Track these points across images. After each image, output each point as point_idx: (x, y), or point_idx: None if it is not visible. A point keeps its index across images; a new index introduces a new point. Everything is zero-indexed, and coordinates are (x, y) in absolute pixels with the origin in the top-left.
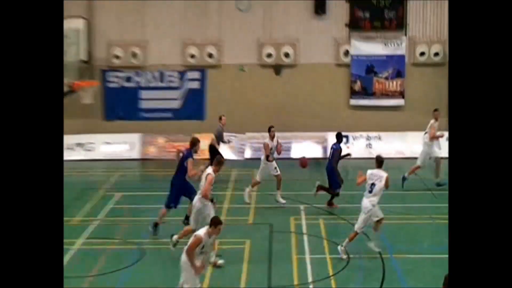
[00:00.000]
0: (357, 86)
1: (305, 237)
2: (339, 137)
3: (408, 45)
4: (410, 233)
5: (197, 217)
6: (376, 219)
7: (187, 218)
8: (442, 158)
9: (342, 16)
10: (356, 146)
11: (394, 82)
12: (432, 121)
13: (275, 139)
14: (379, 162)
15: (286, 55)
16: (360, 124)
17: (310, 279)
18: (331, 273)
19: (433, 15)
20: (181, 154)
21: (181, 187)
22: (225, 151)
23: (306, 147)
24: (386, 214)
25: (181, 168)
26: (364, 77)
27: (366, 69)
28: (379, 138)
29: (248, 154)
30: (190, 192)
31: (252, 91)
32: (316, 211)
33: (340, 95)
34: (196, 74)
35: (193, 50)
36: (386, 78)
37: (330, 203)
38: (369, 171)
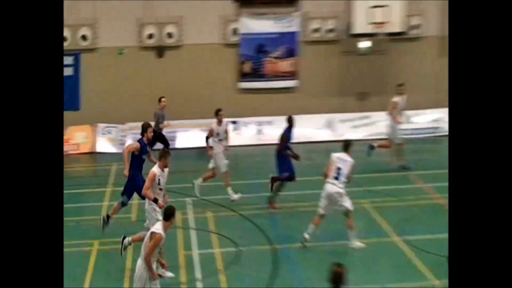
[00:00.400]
0: (247, 67)
1: (192, 232)
2: (290, 121)
3: (301, 21)
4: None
5: (150, 218)
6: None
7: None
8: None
9: None
10: (246, 133)
11: (287, 62)
12: (395, 98)
13: (223, 124)
14: (345, 145)
15: (170, 35)
16: (251, 109)
17: (198, 276)
18: (219, 268)
19: None
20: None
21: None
22: (104, 143)
23: (193, 136)
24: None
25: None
26: (255, 57)
27: (256, 48)
28: (271, 123)
29: None
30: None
31: (132, 76)
32: (204, 204)
33: (229, 77)
34: (68, 59)
35: (65, 32)
36: (278, 58)
37: (271, 202)
38: (334, 154)
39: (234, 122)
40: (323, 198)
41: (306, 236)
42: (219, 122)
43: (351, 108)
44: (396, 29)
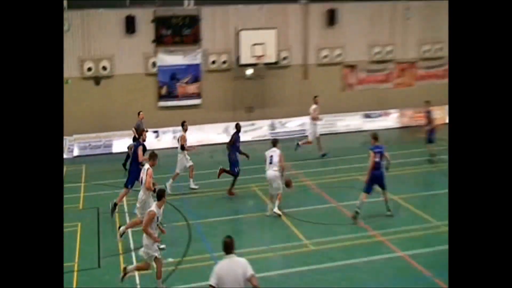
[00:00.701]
0: (164, 90)
1: (127, 215)
2: (237, 127)
3: (202, 56)
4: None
5: (143, 207)
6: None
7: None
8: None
9: (149, 34)
10: (165, 139)
11: (193, 86)
12: (313, 106)
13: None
14: (273, 142)
15: (104, 68)
16: (168, 121)
17: (132, 247)
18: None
19: (220, 29)
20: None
21: (136, 172)
22: None
23: (125, 142)
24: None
25: (134, 156)
26: (169, 83)
27: (170, 76)
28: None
29: (76, 152)
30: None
31: (76, 100)
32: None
33: (151, 98)
34: None
35: None
36: (187, 83)
37: (229, 190)
38: (266, 152)
39: (155, 132)
40: (269, 183)
41: (275, 210)
42: (185, 131)
43: (241, 118)
44: (271, 60)
